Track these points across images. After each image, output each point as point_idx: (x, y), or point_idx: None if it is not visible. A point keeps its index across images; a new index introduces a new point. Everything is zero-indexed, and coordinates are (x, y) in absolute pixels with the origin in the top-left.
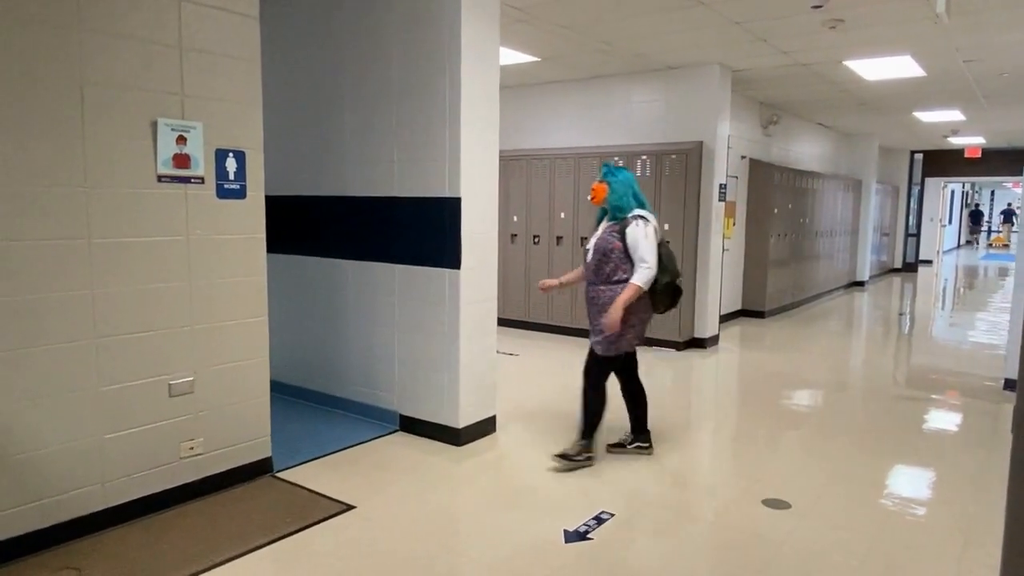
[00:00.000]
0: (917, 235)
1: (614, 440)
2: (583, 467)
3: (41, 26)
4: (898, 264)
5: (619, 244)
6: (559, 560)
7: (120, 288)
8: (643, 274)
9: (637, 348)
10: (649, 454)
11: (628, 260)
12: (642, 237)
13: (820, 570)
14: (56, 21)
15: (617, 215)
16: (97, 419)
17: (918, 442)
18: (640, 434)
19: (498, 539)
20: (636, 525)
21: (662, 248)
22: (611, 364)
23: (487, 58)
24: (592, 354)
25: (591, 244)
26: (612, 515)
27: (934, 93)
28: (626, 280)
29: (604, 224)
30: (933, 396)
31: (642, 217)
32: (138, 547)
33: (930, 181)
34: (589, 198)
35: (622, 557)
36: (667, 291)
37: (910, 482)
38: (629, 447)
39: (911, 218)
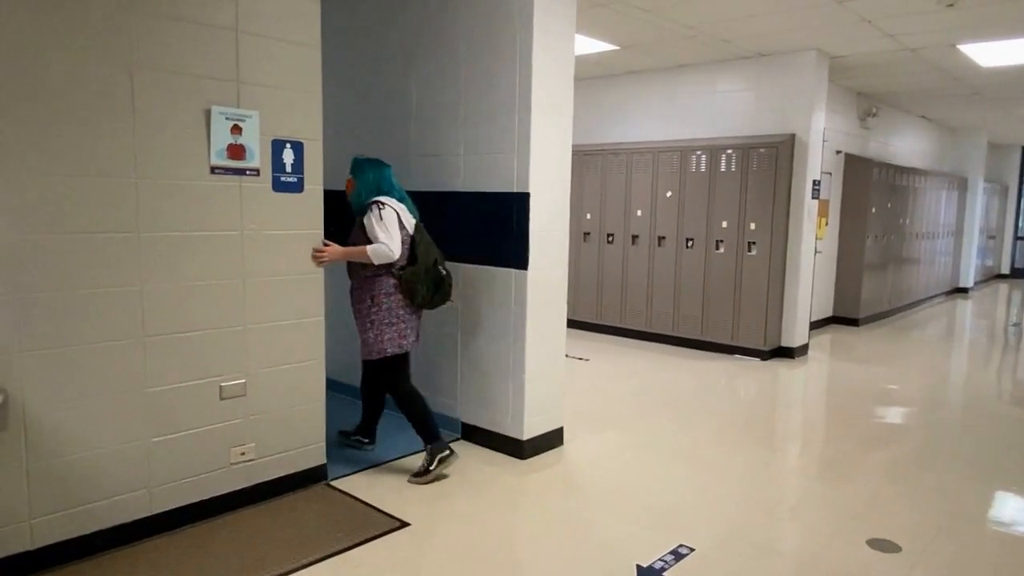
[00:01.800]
0: None
1: (346, 428)
2: (444, 470)
3: (88, 7)
4: (1005, 270)
5: (362, 236)
6: None
7: (170, 284)
8: (376, 247)
9: (412, 352)
10: (370, 450)
11: None
12: (375, 220)
13: None
14: (104, 1)
15: (359, 209)
16: (144, 421)
17: None
18: (364, 432)
19: (561, 571)
20: (720, 564)
21: (418, 235)
22: (393, 364)
23: (561, 45)
24: (371, 366)
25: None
26: (692, 550)
27: None
28: (372, 274)
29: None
30: None
31: (376, 202)
32: (182, 558)
33: None
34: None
35: None
36: (422, 281)
37: None
38: (351, 438)
39: (1021, 220)
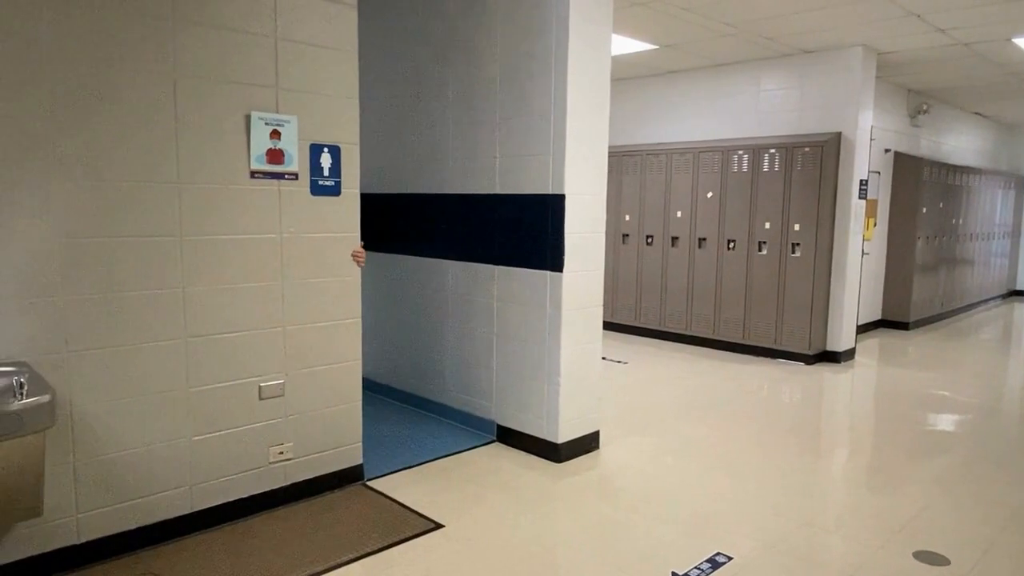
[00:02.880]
0: None
1: None
2: None
3: (135, 16)
4: None
5: None
6: None
7: (211, 287)
8: None
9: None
10: None
11: None
12: None
13: None
14: (150, 11)
15: None
16: (186, 420)
17: None
18: None
19: None
20: (758, 574)
21: None
22: None
23: (597, 45)
24: None
25: None
26: (730, 559)
27: None
28: None
29: None
30: None
31: None
32: (221, 555)
33: None
34: None
35: None
36: None
37: None
38: None
39: None
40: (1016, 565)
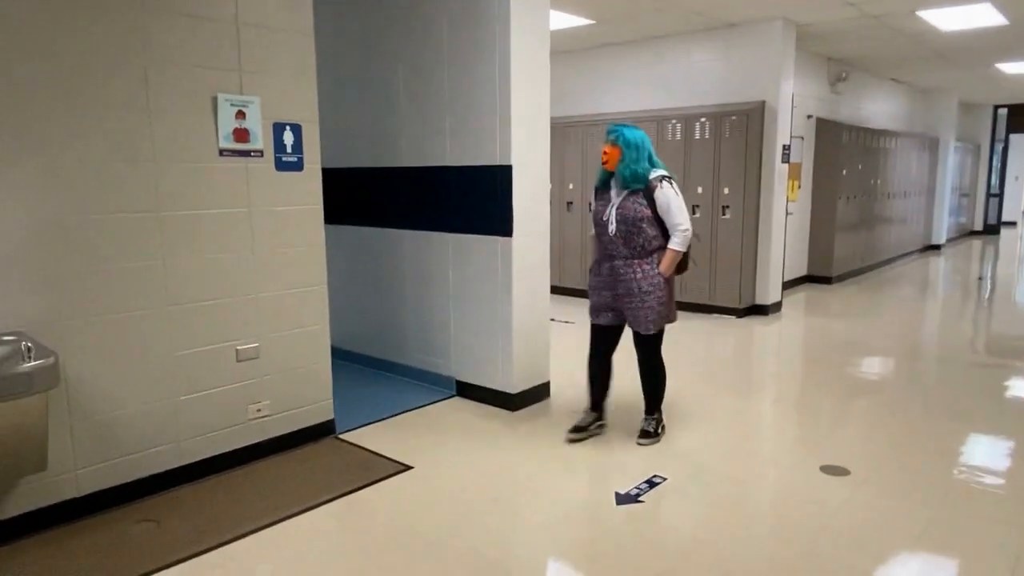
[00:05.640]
0: (1000, 195)
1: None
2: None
3: (107, 9)
4: (978, 227)
5: (648, 211)
6: (610, 521)
7: (188, 259)
8: (683, 238)
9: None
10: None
11: (656, 226)
12: (673, 198)
13: (877, 536)
14: (121, 3)
15: (637, 181)
16: (172, 382)
17: (996, 411)
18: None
19: (550, 500)
20: (689, 490)
21: None
22: (662, 337)
23: (536, 22)
24: (641, 337)
25: (612, 214)
26: (665, 479)
27: (1018, 43)
28: (659, 248)
29: (618, 190)
30: (1015, 363)
31: (667, 177)
32: (211, 502)
33: (1015, 137)
34: (603, 163)
35: (672, 520)
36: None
37: (984, 452)
38: (591, 427)
39: (993, 177)
40: (906, 474)
